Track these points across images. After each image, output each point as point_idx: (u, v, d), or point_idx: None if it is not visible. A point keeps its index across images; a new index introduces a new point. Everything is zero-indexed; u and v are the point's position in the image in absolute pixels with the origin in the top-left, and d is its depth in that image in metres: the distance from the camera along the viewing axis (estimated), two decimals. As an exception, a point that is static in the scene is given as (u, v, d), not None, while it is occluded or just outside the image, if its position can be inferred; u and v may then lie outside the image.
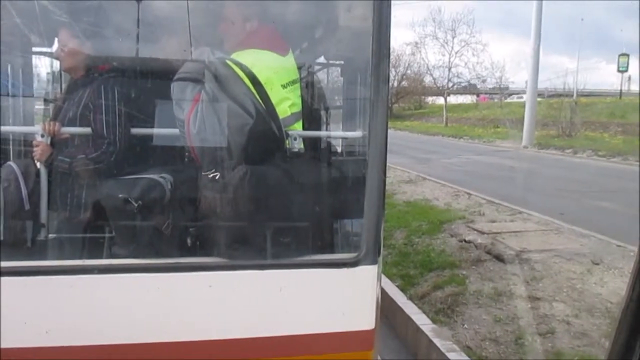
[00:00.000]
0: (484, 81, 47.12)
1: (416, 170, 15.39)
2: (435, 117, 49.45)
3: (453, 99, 55.40)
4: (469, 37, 44.96)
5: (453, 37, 45.73)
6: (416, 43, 48.43)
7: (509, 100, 48.01)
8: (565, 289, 5.48)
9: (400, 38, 55.61)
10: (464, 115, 45.15)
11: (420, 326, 4.73)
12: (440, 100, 54.19)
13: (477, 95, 54.31)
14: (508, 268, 6.16)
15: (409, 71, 53.58)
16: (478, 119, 40.90)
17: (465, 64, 46.22)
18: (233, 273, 2.21)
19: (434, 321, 4.87)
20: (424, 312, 5.09)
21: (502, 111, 38.78)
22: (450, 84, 47.53)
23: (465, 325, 4.84)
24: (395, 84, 52.06)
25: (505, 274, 5.99)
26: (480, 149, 25.31)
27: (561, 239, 7.39)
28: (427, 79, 50.71)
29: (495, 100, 47.65)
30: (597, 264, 6.13)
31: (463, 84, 48.35)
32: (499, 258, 6.47)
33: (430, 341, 4.47)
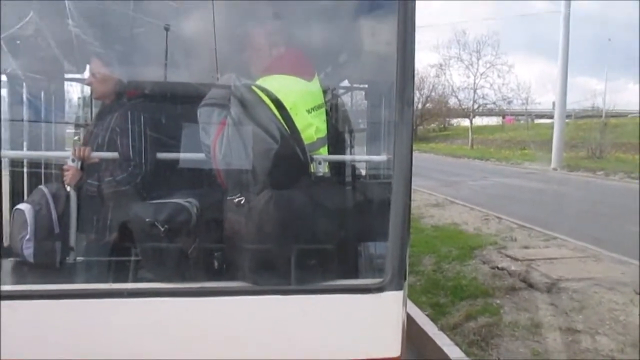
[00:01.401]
0: (509, 102, 46.31)
1: (443, 193, 15.10)
2: (460, 139, 49.18)
3: (479, 121, 54.62)
4: (494, 58, 45.07)
5: (478, 59, 45.87)
6: (441, 65, 48.20)
7: (537, 121, 47.18)
8: (608, 321, 5.21)
9: (424, 60, 55.06)
10: (490, 137, 44.92)
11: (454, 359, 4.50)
12: (465, 122, 53.58)
13: (503, 117, 53.57)
14: (545, 297, 5.91)
15: (433, 93, 53.15)
16: (504, 141, 40.53)
17: (491, 85, 46.00)
18: (257, 298, 2.20)
19: (467, 354, 4.63)
20: (457, 344, 4.80)
21: (529, 133, 38.28)
22: (476, 106, 47.10)
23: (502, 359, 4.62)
24: (420, 106, 51.43)
25: (542, 303, 5.73)
26: (508, 172, 24.80)
27: (600, 266, 7.09)
28: (452, 101, 50.23)
29: (522, 121, 47.04)
30: (640, 294, 5.79)
31: (489, 106, 47.91)
32: (535, 287, 6.22)
33: (465, 375, 4.25)
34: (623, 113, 42.50)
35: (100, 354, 2.10)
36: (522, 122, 47.03)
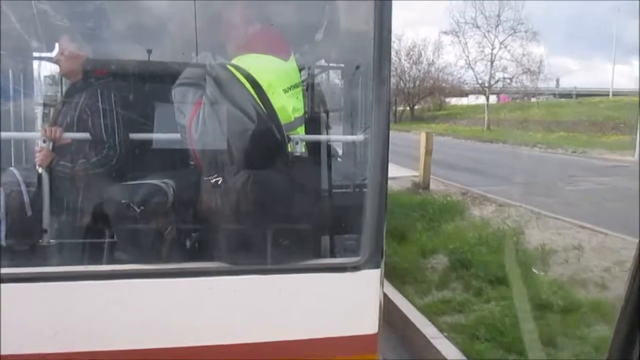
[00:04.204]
0: (532, 77, 38.35)
1: (526, 202, 9.57)
2: (465, 119, 43.45)
3: (472, 100, 50.66)
4: (517, 24, 36.78)
5: (497, 25, 37.74)
6: (456, 32, 40.31)
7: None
8: None
9: (423, 32, 51.55)
10: (501, 116, 37.62)
11: None
12: (463, 101, 50.24)
13: (497, 95, 47.14)
14: None
15: (432, 68, 47.97)
16: (519, 121, 34.50)
17: (512, 55, 37.81)
18: (235, 278, 2.21)
19: None
20: None
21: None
22: (493, 81, 39.14)
23: None
24: (417, 83, 47.75)
25: None
26: (584, 164, 18.33)
27: None
28: (469, 75, 42.37)
29: (542, 99, 41.04)
30: None
31: (506, 80, 39.67)
32: None
33: None
34: None
35: (76, 337, 2.09)
36: (539, 99, 40.29)
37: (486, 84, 39.66)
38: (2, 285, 2.00)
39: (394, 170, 13.16)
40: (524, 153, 23.18)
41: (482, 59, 39.20)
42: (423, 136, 12.39)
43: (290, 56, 2.52)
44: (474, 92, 47.38)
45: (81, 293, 2.09)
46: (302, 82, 2.72)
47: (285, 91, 2.40)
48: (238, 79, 2.25)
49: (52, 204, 2.44)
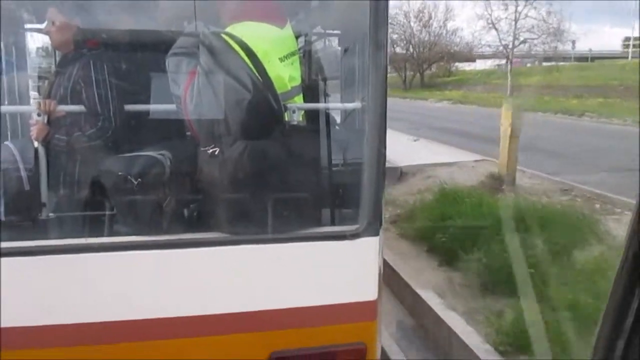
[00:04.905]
0: (555, 38, 34.62)
1: None
2: (480, 84, 39.59)
3: (480, 64, 47.81)
4: None
5: None
6: None
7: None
8: None
9: None
10: (522, 81, 33.79)
11: None
12: (470, 66, 47.05)
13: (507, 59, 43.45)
14: None
15: (444, 31, 45.57)
16: (542, 87, 30.96)
17: (539, 14, 34.47)
18: (234, 248, 2.22)
19: None
20: None
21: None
22: (516, 42, 35.48)
23: None
24: (427, 48, 45.10)
25: None
26: None
27: None
28: (488, 37, 40.13)
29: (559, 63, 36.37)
30: None
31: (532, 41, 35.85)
32: None
33: None
34: None
35: (75, 309, 2.11)
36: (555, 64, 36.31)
37: (510, 46, 35.90)
38: (3, 259, 2.02)
39: (445, 153, 12.27)
40: (579, 124, 20.39)
41: (506, 18, 35.40)
42: (505, 114, 8.65)
43: (286, 24, 2.48)
44: (487, 56, 44.37)
45: (80, 265, 2.10)
46: (299, 49, 2.68)
47: (282, 60, 2.37)
48: (232, 48, 2.21)
49: (50, 178, 2.44)
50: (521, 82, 33.27)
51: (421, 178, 9.63)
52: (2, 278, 2.00)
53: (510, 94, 31.30)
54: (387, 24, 2.25)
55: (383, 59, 2.22)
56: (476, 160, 10.62)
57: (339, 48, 3.68)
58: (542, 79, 33.62)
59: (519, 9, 34.27)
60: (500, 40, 36.47)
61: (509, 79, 33.42)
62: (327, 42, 3.88)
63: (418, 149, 12.96)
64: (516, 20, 34.81)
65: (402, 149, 12.20)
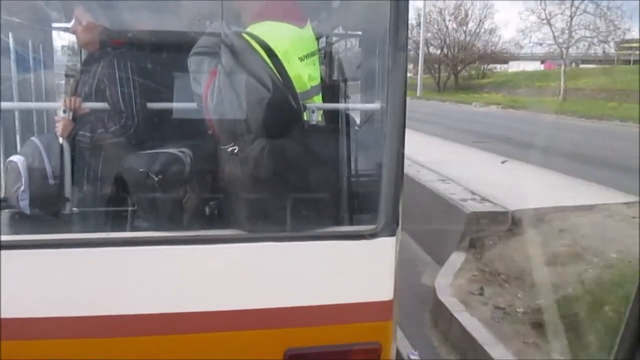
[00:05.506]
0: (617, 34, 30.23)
1: None
2: (521, 87, 36.56)
3: (514, 66, 45.49)
4: None
5: None
6: None
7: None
8: None
9: None
10: (571, 85, 30.86)
11: None
12: (504, 68, 44.36)
13: (542, 62, 40.74)
14: None
15: (482, 30, 42.79)
16: (599, 90, 28.25)
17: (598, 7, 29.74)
18: (252, 245, 2.24)
19: None
20: None
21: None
22: (572, 41, 30.96)
23: None
24: (463, 47, 42.64)
25: None
26: None
27: None
28: (538, 34, 33.28)
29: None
30: None
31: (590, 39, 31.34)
32: None
33: None
34: None
35: (96, 302, 2.15)
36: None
37: (564, 45, 31.33)
38: (27, 251, 2.07)
39: (560, 185, 8.20)
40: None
41: (562, 13, 30.69)
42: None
43: (307, 24, 2.49)
44: (522, 57, 41.23)
45: (102, 259, 2.14)
46: (319, 50, 2.69)
47: (301, 59, 2.39)
48: (253, 47, 2.24)
49: (74, 174, 2.49)
50: (569, 86, 30.63)
51: (549, 232, 6.11)
52: (25, 270, 2.05)
53: (563, 99, 29.17)
54: (407, 25, 2.25)
55: (403, 60, 2.22)
56: (627, 203, 6.77)
57: (360, 49, 3.68)
58: (594, 81, 30.62)
59: (576, 3, 30.48)
60: (554, 38, 31.96)
61: (562, 81, 30.20)
62: (347, 43, 3.89)
63: (518, 178, 8.91)
64: (572, 17, 30.71)
65: (493, 176, 8.76)
